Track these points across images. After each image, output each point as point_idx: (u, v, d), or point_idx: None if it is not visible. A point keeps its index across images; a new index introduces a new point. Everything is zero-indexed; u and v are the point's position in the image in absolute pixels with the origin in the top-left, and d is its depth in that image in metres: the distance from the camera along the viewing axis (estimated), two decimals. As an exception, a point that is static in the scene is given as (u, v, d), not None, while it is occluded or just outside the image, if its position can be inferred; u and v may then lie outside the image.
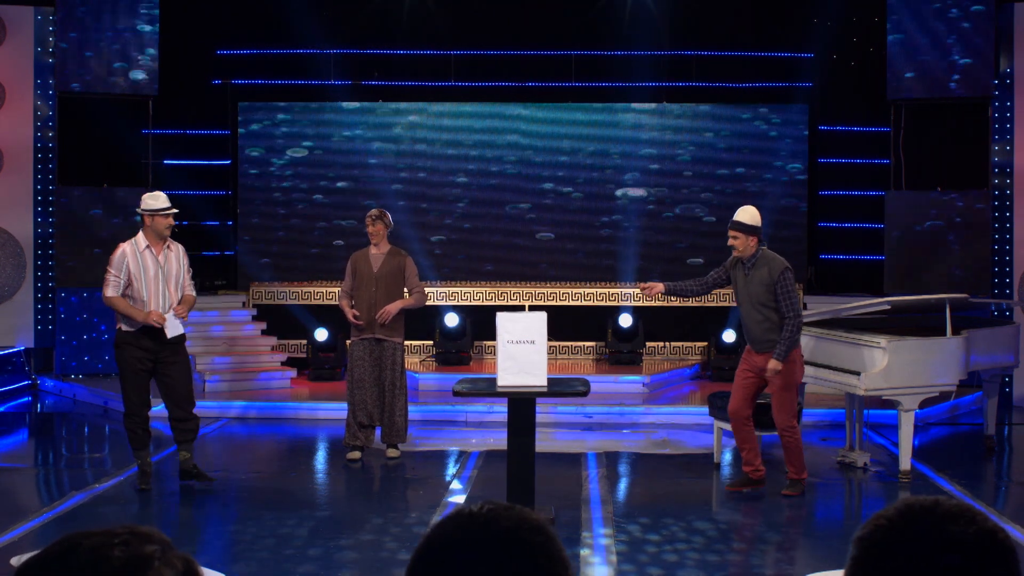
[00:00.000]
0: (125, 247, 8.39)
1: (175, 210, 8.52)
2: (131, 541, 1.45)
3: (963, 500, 1.59)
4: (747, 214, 8.24)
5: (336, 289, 12.66)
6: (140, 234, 8.46)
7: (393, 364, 9.54)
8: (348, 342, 9.97)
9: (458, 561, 1.52)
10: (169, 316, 8.29)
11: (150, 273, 8.34)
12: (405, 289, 9.71)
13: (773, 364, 8.14)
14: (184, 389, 8.53)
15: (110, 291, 8.29)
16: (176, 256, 8.55)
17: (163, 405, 8.58)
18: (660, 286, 8.42)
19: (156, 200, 8.45)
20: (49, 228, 13.63)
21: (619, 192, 14.33)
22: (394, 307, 9.46)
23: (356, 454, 9.59)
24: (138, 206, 8.58)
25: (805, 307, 13.40)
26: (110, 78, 13.36)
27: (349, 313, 9.51)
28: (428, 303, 13.92)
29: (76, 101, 13.60)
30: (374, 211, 9.75)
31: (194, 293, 8.67)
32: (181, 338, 8.49)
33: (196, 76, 14.61)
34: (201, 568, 1.52)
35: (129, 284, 8.29)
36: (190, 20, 14.29)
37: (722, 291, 14.30)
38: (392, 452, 9.69)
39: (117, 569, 1.42)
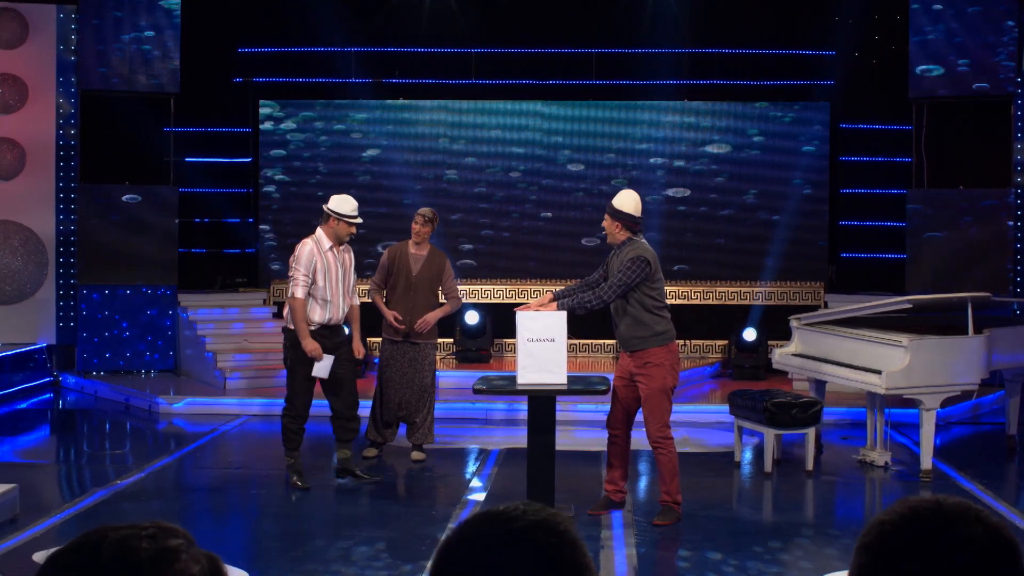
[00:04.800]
0: (312, 245, 8.30)
1: (360, 220, 8.43)
2: (158, 535, 1.47)
3: (963, 498, 1.59)
4: (618, 197, 7.53)
5: (362, 287, 12.30)
6: (321, 233, 8.35)
7: (429, 366, 9.35)
8: (379, 339, 9.68)
9: (480, 561, 1.52)
10: (325, 359, 8.19)
11: (333, 273, 8.29)
12: (440, 291, 9.48)
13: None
14: (352, 389, 8.53)
15: (300, 292, 8.15)
16: (351, 258, 8.52)
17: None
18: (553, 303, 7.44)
19: (346, 205, 8.31)
20: (71, 225, 13.69)
21: (640, 189, 14.25)
22: (433, 317, 9.17)
23: (373, 451, 9.47)
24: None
25: (826, 305, 13.35)
26: (132, 76, 13.42)
27: (389, 315, 9.17)
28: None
29: (98, 99, 13.66)
30: (428, 211, 9.40)
31: (357, 302, 8.64)
32: (349, 339, 8.52)
33: (218, 74, 14.65)
34: (225, 565, 1.53)
35: (314, 283, 8.22)
36: (212, 18, 14.33)
37: (744, 287, 14.38)
38: (417, 455, 9.47)
39: (145, 561, 1.44)
